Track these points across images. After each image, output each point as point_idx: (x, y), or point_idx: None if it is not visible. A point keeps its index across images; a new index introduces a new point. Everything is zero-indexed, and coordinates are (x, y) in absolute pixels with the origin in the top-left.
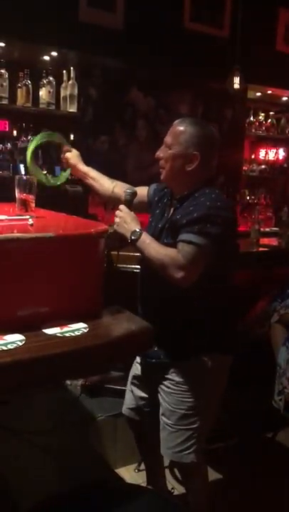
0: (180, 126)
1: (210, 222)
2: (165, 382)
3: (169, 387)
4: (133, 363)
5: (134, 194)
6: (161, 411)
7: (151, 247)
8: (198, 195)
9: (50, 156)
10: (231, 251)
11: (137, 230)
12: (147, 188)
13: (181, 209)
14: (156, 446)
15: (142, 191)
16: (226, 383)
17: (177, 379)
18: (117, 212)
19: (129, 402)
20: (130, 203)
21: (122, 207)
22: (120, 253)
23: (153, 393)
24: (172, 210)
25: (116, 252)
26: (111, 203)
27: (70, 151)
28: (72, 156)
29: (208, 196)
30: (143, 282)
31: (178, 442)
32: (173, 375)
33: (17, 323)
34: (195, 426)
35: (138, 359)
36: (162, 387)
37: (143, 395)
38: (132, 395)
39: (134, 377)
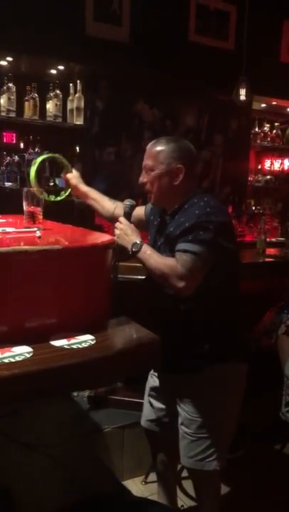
0: (155, 147)
1: (202, 229)
2: (183, 392)
3: (187, 397)
4: (149, 375)
5: (134, 206)
6: (180, 420)
7: (152, 258)
8: (187, 206)
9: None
10: (231, 253)
11: (138, 241)
12: (144, 207)
13: (174, 222)
14: (173, 458)
15: (140, 210)
16: (243, 391)
17: (195, 388)
18: (117, 224)
19: (148, 413)
20: (130, 215)
21: (121, 219)
22: (122, 264)
23: (171, 404)
24: (165, 225)
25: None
26: (112, 222)
27: (70, 172)
28: (73, 176)
29: (197, 205)
30: (153, 294)
31: (199, 450)
32: (190, 385)
33: (25, 335)
34: (214, 434)
35: (152, 370)
36: (180, 397)
37: (161, 406)
38: (151, 406)
39: (152, 388)
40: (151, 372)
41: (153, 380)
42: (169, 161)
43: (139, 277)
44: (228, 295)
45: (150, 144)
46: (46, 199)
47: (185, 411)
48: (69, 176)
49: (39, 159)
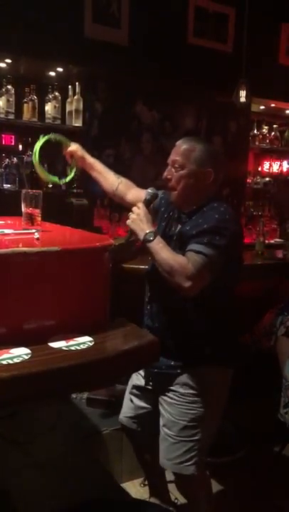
0: (187, 145)
1: (219, 234)
2: (168, 394)
3: (172, 398)
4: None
5: (155, 196)
6: (162, 422)
7: (164, 251)
8: (206, 209)
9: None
10: (237, 263)
11: (152, 231)
12: None
13: (190, 222)
14: (155, 457)
15: (156, 191)
16: (227, 396)
17: (181, 390)
18: (134, 209)
19: (127, 410)
20: (149, 203)
21: (140, 204)
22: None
23: (154, 404)
24: (180, 224)
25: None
26: (114, 197)
27: (69, 145)
28: (77, 148)
29: (217, 210)
30: (149, 293)
31: (179, 454)
32: (177, 387)
33: (23, 336)
34: (197, 438)
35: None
36: (165, 398)
37: (143, 404)
38: (132, 403)
39: (135, 386)
40: None
41: (137, 378)
42: (200, 162)
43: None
44: (225, 299)
45: (181, 140)
46: (58, 182)
47: (169, 412)
48: (72, 148)
49: (37, 147)
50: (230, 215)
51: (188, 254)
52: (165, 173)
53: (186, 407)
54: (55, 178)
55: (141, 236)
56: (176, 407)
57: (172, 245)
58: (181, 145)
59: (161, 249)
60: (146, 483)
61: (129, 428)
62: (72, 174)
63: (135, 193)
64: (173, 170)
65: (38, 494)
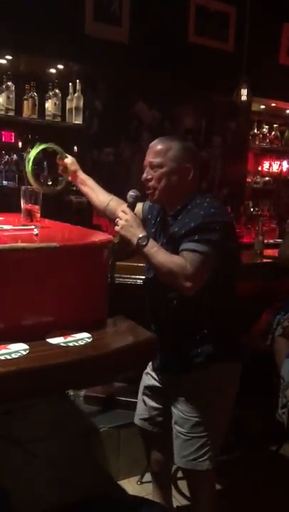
0: (162, 145)
1: (207, 229)
2: (178, 391)
3: (181, 396)
4: (144, 373)
5: (139, 198)
6: (173, 420)
7: (159, 254)
8: (191, 206)
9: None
10: (233, 253)
11: (144, 235)
12: (142, 204)
13: (177, 222)
14: (167, 457)
15: (137, 207)
16: (236, 391)
17: (190, 387)
18: (121, 214)
19: (141, 412)
20: (134, 206)
21: (126, 209)
22: (120, 263)
23: (166, 403)
24: (168, 227)
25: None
26: (104, 215)
27: (66, 157)
28: (72, 162)
29: (200, 206)
30: (151, 293)
31: (192, 450)
32: (186, 384)
33: (21, 332)
34: (208, 433)
35: (148, 369)
36: (175, 396)
37: (155, 405)
38: (144, 405)
39: (146, 387)
40: (147, 370)
41: (148, 379)
42: (179, 160)
43: (139, 277)
44: (228, 294)
45: (155, 141)
46: (48, 192)
47: (179, 410)
48: (67, 161)
49: (32, 155)
50: (216, 208)
51: (183, 254)
52: (144, 175)
53: (196, 403)
54: (46, 188)
55: (134, 241)
56: (186, 404)
57: (164, 248)
58: (156, 145)
59: (156, 253)
60: (143, 480)
61: (145, 429)
62: (63, 184)
63: None
64: (152, 171)
65: (34, 492)
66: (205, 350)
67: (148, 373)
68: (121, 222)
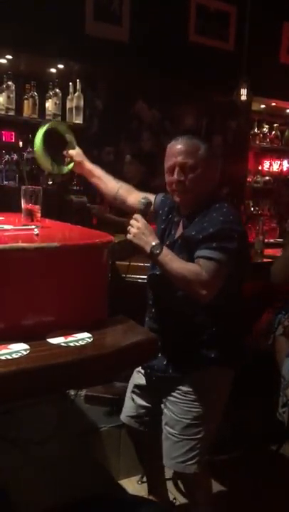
0: (190, 145)
1: (226, 237)
2: (172, 393)
3: (175, 397)
4: (134, 371)
5: (150, 204)
6: (164, 421)
7: (174, 262)
8: (208, 210)
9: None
10: (246, 262)
11: (158, 243)
12: (154, 196)
13: (194, 225)
14: (156, 456)
15: (150, 198)
16: (228, 396)
17: (185, 389)
18: (133, 222)
19: (129, 409)
20: (145, 213)
21: (138, 217)
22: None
23: (156, 403)
24: (181, 226)
25: (127, 263)
26: (115, 202)
27: (73, 148)
28: (77, 154)
29: (219, 211)
30: (152, 295)
31: (181, 452)
32: (180, 386)
33: (21, 332)
34: (199, 436)
35: (140, 367)
36: (168, 397)
37: (144, 404)
38: (133, 402)
39: (136, 386)
40: (138, 369)
41: (138, 377)
42: (208, 160)
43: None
44: (235, 299)
45: (180, 140)
46: (50, 168)
47: (172, 411)
48: (72, 152)
49: (44, 127)
50: (234, 215)
51: (199, 261)
52: (175, 177)
53: (189, 405)
54: (49, 165)
55: (147, 250)
56: (179, 405)
57: (176, 249)
58: (183, 146)
59: (171, 261)
60: (143, 480)
61: (131, 427)
62: (70, 167)
63: (136, 197)
64: (181, 172)
65: (35, 491)
66: (206, 353)
67: (139, 372)
68: (133, 230)
